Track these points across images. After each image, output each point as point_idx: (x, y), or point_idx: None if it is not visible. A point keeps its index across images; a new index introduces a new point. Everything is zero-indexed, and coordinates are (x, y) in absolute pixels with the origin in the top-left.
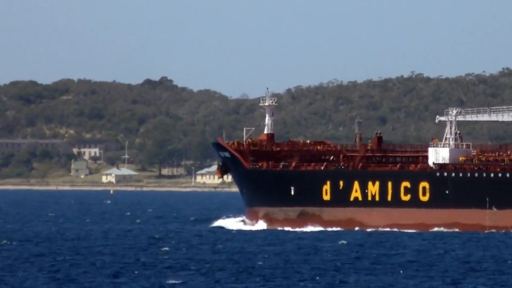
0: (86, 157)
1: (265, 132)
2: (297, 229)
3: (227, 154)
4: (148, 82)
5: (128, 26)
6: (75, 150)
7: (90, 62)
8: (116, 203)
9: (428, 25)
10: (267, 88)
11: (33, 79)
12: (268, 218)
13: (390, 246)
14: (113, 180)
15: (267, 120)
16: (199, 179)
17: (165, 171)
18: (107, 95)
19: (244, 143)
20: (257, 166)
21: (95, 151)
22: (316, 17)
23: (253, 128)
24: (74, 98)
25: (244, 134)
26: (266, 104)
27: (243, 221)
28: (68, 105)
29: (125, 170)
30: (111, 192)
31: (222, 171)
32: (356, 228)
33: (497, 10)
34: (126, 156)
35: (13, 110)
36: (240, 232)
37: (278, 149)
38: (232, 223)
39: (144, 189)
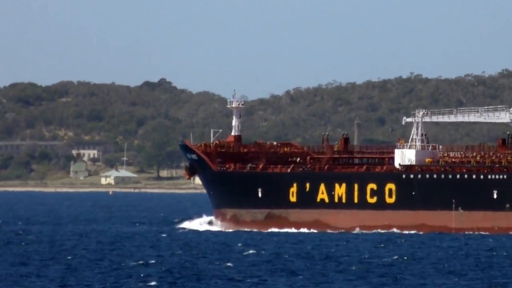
0: (85, 158)
1: (233, 133)
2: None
3: (194, 156)
4: (147, 84)
5: (127, 28)
6: (74, 152)
7: (89, 64)
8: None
9: (427, 26)
10: (234, 90)
11: (33, 81)
12: (235, 220)
13: None
14: (112, 181)
15: (234, 122)
16: (197, 180)
17: (163, 173)
18: (106, 97)
19: (211, 145)
20: (224, 168)
21: (94, 153)
22: (315, 19)
23: (221, 130)
24: (73, 100)
25: (211, 135)
26: (234, 106)
27: (210, 222)
28: (67, 107)
29: (124, 172)
30: (110, 193)
31: (190, 172)
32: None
33: (496, 11)
34: (125, 158)
35: (12, 112)
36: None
37: (245, 150)
38: (198, 224)
39: (143, 190)
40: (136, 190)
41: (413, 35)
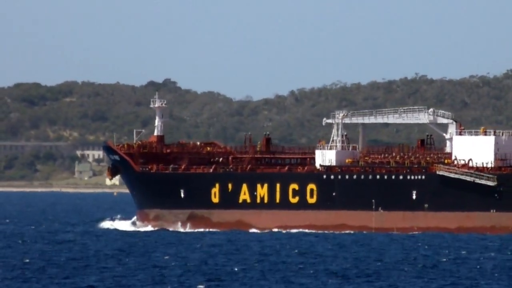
0: (90, 159)
1: (155, 134)
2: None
3: (117, 157)
4: (151, 84)
5: (132, 28)
6: (78, 153)
7: (94, 64)
8: None
9: (432, 27)
10: (157, 92)
11: (37, 81)
12: (158, 220)
13: None
14: (117, 182)
15: (157, 122)
16: None
17: None
18: (111, 97)
19: (134, 145)
20: (147, 169)
21: (98, 153)
22: (320, 19)
23: (143, 130)
24: (77, 100)
25: (134, 136)
26: (156, 105)
27: (133, 222)
28: (71, 107)
29: None
30: (114, 194)
31: (112, 173)
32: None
33: (501, 12)
34: None
35: (17, 112)
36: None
37: (168, 151)
38: (122, 224)
39: None
40: None
41: (418, 36)
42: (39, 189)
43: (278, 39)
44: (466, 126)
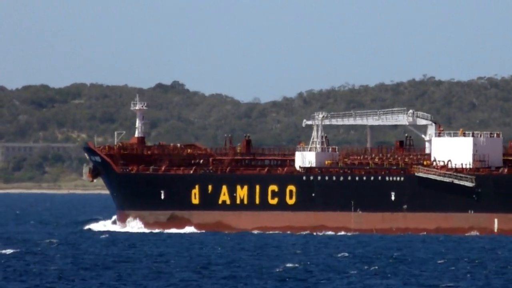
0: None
1: (136, 135)
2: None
3: (98, 159)
4: (159, 86)
5: (140, 30)
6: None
7: (102, 66)
8: None
9: (440, 28)
10: (137, 95)
11: (45, 83)
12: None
13: None
14: None
15: (138, 123)
16: None
17: None
18: (119, 99)
19: (115, 147)
20: (127, 170)
21: None
22: (328, 21)
23: (124, 132)
24: (86, 102)
25: (115, 137)
26: (137, 108)
27: (114, 222)
28: (80, 109)
29: None
30: None
31: (93, 174)
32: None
33: (509, 13)
34: None
35: (25, 114)
36: None
37: (148, 152)
38: (103, 226)
39: None
40: None
41: (426, 38)
42: (48, 191)
43: (286, 41)
44: (474, 128)
